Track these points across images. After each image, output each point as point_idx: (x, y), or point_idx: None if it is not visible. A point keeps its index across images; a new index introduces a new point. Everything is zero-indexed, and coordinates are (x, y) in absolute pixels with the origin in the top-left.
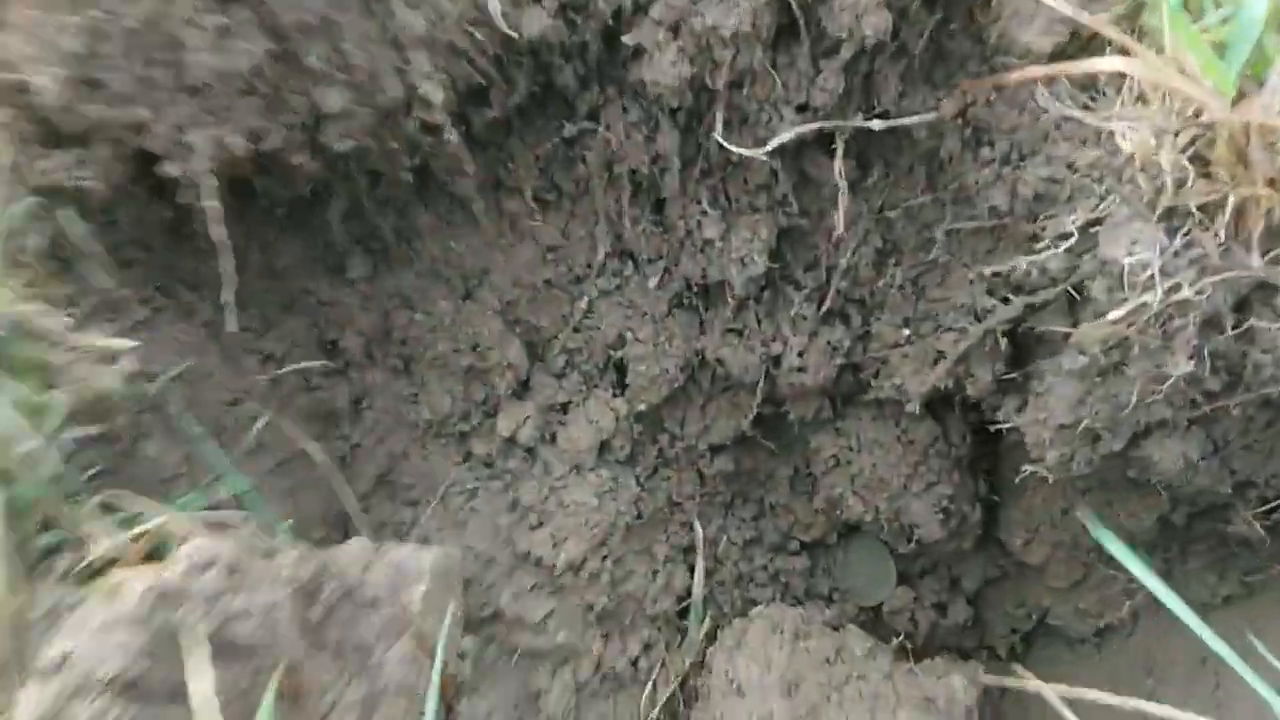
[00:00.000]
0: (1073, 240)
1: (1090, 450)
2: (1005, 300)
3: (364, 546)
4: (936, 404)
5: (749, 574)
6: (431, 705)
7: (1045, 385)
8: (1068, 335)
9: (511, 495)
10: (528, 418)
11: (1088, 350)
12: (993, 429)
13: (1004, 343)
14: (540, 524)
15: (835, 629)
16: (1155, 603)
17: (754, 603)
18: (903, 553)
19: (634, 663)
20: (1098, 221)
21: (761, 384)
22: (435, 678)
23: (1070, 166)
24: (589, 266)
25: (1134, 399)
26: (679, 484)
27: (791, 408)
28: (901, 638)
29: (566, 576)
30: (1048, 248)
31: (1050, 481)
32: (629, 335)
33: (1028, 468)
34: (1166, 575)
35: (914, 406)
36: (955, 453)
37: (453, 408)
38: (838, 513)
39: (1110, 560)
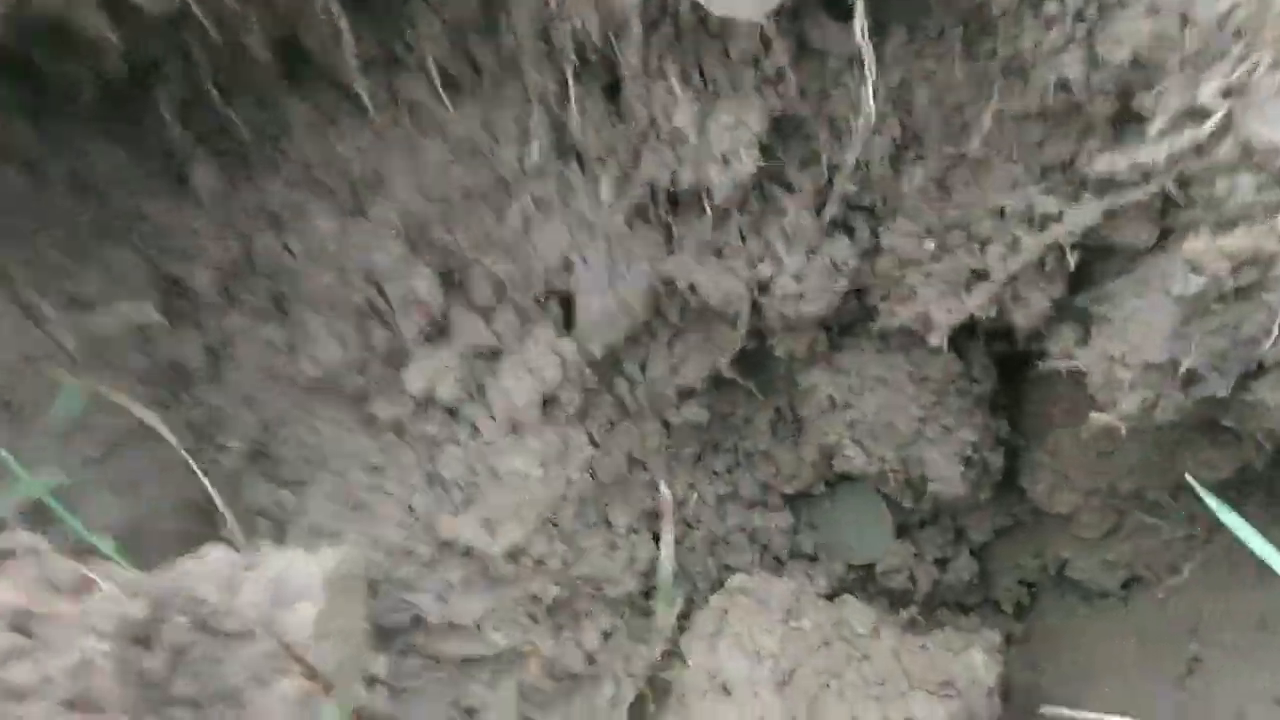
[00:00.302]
0: (1195, 122)
1: (1183, 395)
2: (1063, 204)
3: (227, 558)
4: (956, 332)
5: (724, 535)
6: None
7: (1125, 313)
8: (1153, 247)
9: (429, 468)
10: (446, 368)
11: (1206, 269)
12: (1026, 362)
13: (1074, 258)
14: (469, 503)
15: (829, 598)
16: (1203, 555)
17: (730, 569)
18: (902, 504)
19: (591, 658)
20: (1234, 92)
21: (746, 315)
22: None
23: (1187, 19)
24: (520, 169)
25: (1275, 332)
26: (641, 438)
27: (780, 342)
28: (911, 607)
29: (505, 566)
30: (1164, 131)
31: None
32: (576, 258)
33: (1096, 417)
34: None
35: (939, 339)
36: (977, 390)
37: (345, 358)
38: (832, 464)
39: (1152, 508)
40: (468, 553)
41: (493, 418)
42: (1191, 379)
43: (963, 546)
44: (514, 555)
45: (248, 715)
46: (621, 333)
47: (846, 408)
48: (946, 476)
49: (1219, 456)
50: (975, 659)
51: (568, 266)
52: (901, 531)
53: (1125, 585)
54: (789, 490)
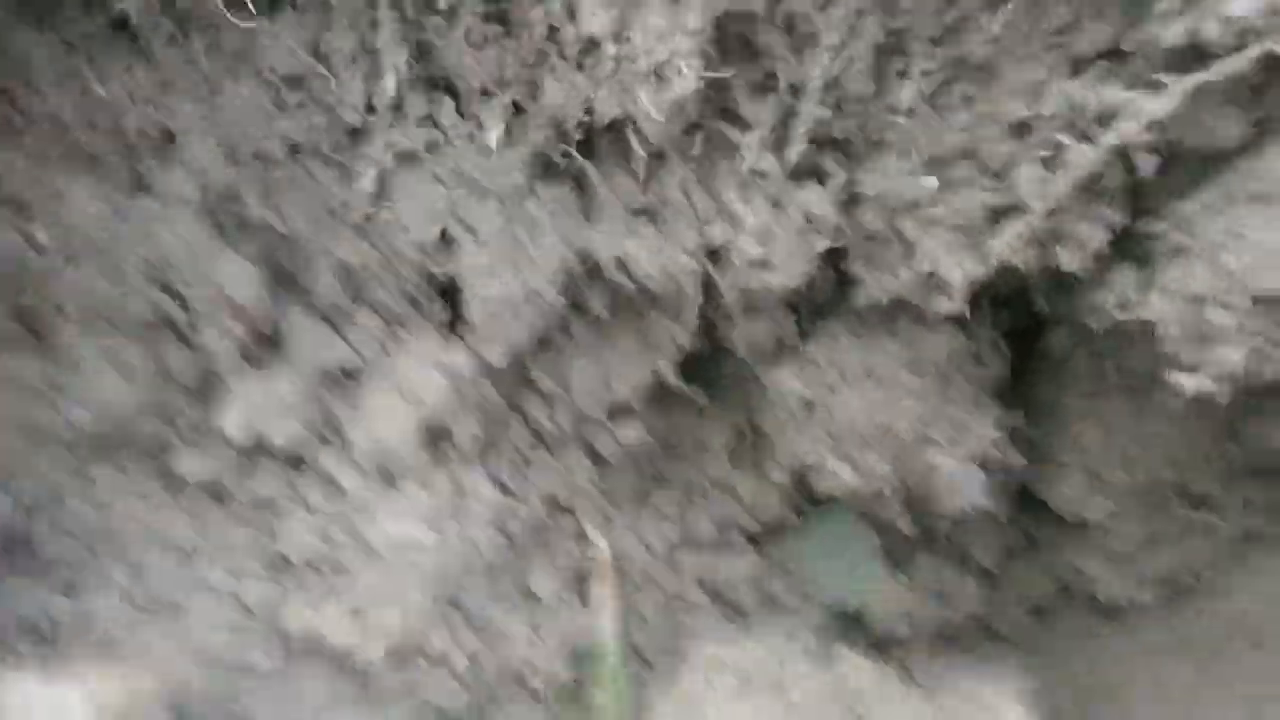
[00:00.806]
0: None
1: None
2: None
3: None
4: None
5: (678, 593)
6: None
7: (1214, 237)
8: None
9: (268, 546)
10: (281, 402)
11: None
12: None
13: (1151, 164)
14: (332, 591)
15: (821, 654)
16: (1265, 551)
17: (688, 634)
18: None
19: None
20: None
21: (696, 297)
22: None
23: None
24: (371, 110)
25: None
26: (566, 475)
27: (739, 332)
28: (913, 658)
29: (389, 674)
30: None
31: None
32: (460, 233)
33: (1179, 379)
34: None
35: (955, 304)
36: (989, 374)
37: (134, 398)
38: (809, 488)
39: (1201, 502)
40: (334, 660)
41: (357, 466)
42: None
43: (967, 576)
44: (402, 657)
45: None
46: (530, 332)
47: (828, 413)
48: (964, 487)
49: None
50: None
51: (449, 244)
52: (893, 564)
53: (1165, 600)
54: (754, 528)
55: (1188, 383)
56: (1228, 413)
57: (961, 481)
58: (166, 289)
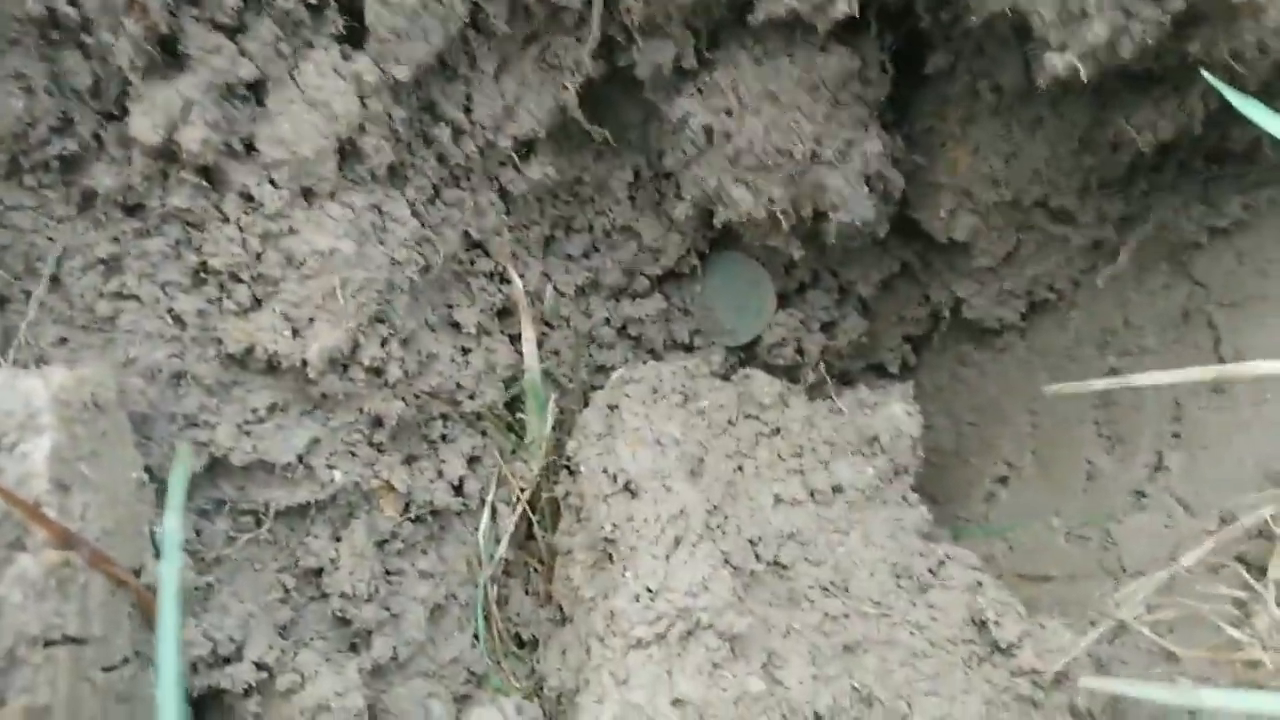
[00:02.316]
0: None
1: (1159, 8)
2: None
3: None
4: (844, 26)
5: (588, 332)
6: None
7: None
8: None
9: (191, 258)
10: (191, 104)
11: None
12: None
13: None
14: (259, 301)
15: (724, 378)
16: (1111, 259)
17: (602, 371)
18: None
19: (457, 487)
20: None
21: (599, 9)
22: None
23: None
24: None
25: None
26: (476, 211)
27: (642, 54)
28: (808, 376)
29: (327, 380)
30: None
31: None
32: None
33: (1052, 61)
34: (1143, 212)
35: (850, 8)
36: (872, 94)
37: (32, 109)
38: (711, 220)
39: (1059, 215)
40: (272, 366)
41: (272, 181)
42: None
43: (849, 305)
44: (339, 363)
45: None
46: (434, 46)
47: (726, 138)
48: (852, 201)
49: (1158, 116)
50: (896, 411)
51: None
52: (783, 301)
53: (1024, 315)
54: (657, 270)
55: (1058, 62)
56: (1084, 117)
57: (849, 198)
58: None
